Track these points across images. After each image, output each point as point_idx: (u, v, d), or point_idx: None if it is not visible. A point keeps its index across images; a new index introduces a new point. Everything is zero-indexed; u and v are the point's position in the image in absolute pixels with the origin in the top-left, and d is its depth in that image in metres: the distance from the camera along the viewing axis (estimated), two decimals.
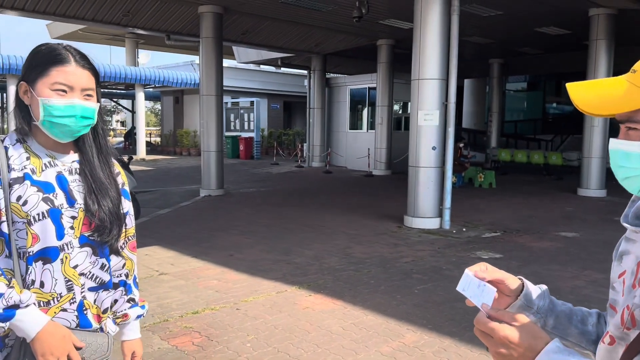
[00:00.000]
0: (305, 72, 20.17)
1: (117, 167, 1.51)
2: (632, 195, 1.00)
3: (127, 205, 1.52)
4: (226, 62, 21.73)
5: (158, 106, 36.36)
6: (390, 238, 7.66)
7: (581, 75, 12.44)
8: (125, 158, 9.62)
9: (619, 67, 14.60)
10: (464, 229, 8.35)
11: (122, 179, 1.51)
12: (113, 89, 27.43)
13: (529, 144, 20.90)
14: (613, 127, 14.88)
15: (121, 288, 1.57)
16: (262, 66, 24.62)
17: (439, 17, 8.22)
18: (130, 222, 1.55)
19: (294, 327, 4.29)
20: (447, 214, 8.53)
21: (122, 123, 51.61)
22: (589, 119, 12.15)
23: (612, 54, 11.76)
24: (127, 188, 1.53)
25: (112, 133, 42.73)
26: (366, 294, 5.12)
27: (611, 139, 0.92)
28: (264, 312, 4.64)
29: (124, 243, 1.55)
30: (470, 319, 4.58)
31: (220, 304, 4.83)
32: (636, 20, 12.24)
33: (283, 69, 24.70)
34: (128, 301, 1.59)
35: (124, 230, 1.51)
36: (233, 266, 6.10)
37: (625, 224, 0.99)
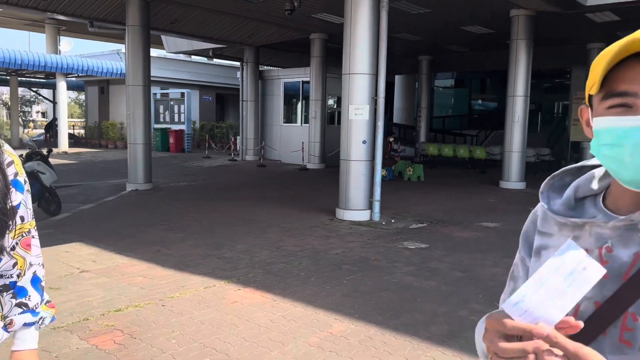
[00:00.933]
0: (238, 63, 19.89)
1: (11, 156, 1.37)
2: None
3: (18, 198, 1.34)
4: (155, 52, 21.04)
5: (82, 97, 34.64)
6: (322, 230, 7.71)
7: (503, 73, 13.03)
8: (45, 151, 9.10)
9: (537, 67, 15.49)
10: (393, 221, 8.56)
11: (17, 168, 1.36)
12: (32, 77, 25.84)
13: (456, 138, 21.71)
14: (531, 123, 15.70)
15: (11, 291, 1.40)
16: (193, 57, 24.01)
17: (368, 12, 8.33)
18: (26, 217, 1.38)
19: (221, 322, 4.23)
20: (377, 206, 8.70)
21: (43, 114, 48.77)
22: (510, 115, 12.76)
23: (531, 53, 12.41)
24: (20, 179, 1.37)
25: (31, 125, 40.26)
26: (296, 286, 5.13)
27: None
28: (190, 307, 4.54)
29: (16, 241, 1.38)
30: (396, 307, 4.72)
31: (144, 301, 4.68)
32: (553, 22, 12.97)
33: (215, 60, 24.23)
34: (18, 305, 1.40)
35: (16, 226, 1.35)
36: (160, 262, 5.93)
37: (553, 215, 0.97)
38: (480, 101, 24.04)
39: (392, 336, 4.00)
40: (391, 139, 14.02)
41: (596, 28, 13.40)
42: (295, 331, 4.08)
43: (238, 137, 20.21)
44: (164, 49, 19.68)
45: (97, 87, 26.33)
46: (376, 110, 8.66)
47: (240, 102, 19.40)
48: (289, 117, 19.37)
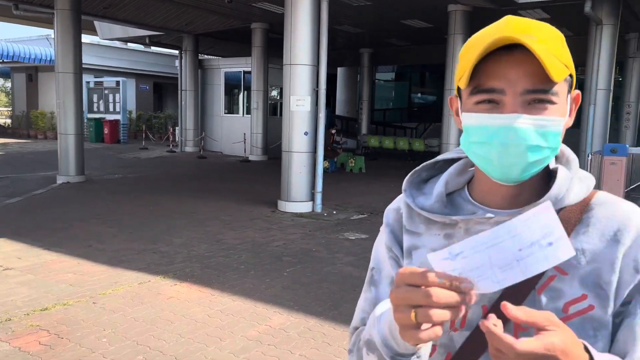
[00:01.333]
0: (176, 52, 19.32)
1: None
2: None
3: None
4: (87, 38, 20.11)
5: (8, 84, 32.63)
6: (263, 223, 7.63)
7: (443, 67, 13.33)
8: None
9: None
10: (335, 212, 8.59)
11: None
12: None
13: (396, 131, 22.09)
14: None
15: None
16: (129, 44, 23.13)
17: (309, 2, 8.27)
18: None
19: (156, 319, 4.08)
20: (318, 198, 8.70)
21: None
22: (447, 109, 13.08)
23: None
24: None
25: None
26: (235, 280, 5.04)
27: (523, 115, 0.79)
28: (123, 304, 4.36)
29: None
30: (336, 298, 4.73)
31: (74, 299, 4.45)
32: (488, 18, 13.34)
33: (153, 48, 23.42)
34: None
35: None
36: (92, 257, 5.66)
37: (428, 213, 0.93)
38: (419, 94, 24.55)
39: (331, 327, 4.00)
40: (333, 131, 14.06)
41: None
42: (234, 325, 4.00)
43: (177, 128, 19.68)
44: (97, 35, 18.81)
45: (25, 74, 24.85)
46: (318, 101, 8.63)
47: (179, 92, 18.87)
48: (231, 108, 19.04)
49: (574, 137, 11.29)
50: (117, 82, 21.52)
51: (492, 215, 0.87)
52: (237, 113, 18.81)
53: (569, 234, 0.83)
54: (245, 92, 18.43)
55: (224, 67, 18.94)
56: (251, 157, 16.59)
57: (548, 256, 0.65)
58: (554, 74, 0.77)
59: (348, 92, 23.94)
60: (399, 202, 1.02)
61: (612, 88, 9.65)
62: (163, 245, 6.23)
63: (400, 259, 0.98)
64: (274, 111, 17.96)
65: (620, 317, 0.83)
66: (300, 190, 8.63)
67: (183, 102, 18.67)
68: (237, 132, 17.86)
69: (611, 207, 0.88)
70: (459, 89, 0.89)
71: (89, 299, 4.45)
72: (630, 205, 0.89)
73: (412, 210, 0.97)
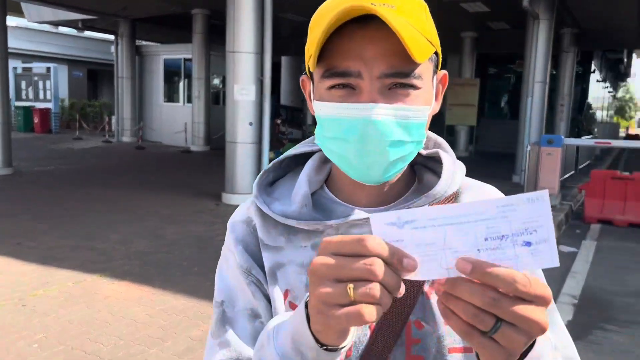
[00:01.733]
0: (112, 37, 18.46)
1: None
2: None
3: None
4: (13, 21, 18.87)
5: None
6: (207, 216, 7.40)
7: None
8: None
9: None
10: None
11: None
12: None
13: None
14: None
15: None
16: (60, 28, 21.90)
17: None
18: None
19: (92, 320, 3.84)
20: None
21: None
22: None
23: None
24: None
25: None
26: (178, 277, 4.84)
27: (380, 105, 0.67)
28: (56, 306, 4.08)
29: None
30: None
31: (1, 301, 4.12)
32: (431, 11, 13.51)
33: (87, 33, 22.30)
34: None
35: None
36: (21, 256, 5.29)
37: (293, 221, 0.77)
38: None
39: None
40: (279, 121, 13.91)
41: (469, 17, 14.25)
42: (177, 325, 3.82)
43: (113, 117, 18.86)
44: (25, 17, 17.66)
45: None
46: (262, 91, 8.45)
47: (115, 79, 18.05)
48: (171, 96, 18.43)
49: (513, 127, 11.69)
50: (48, 69, 20.37)
51: (368, 215, 0.73)
52: (178, 102, 18.24)
53: None
54: (186, 80, 17.87)
55: (163, 54, 18.28)
56: (193, 148, 16.15)
57: (518, 259, 0.51)
58: (417, 54, 0.64)
59: (293, 82, 23.76)
60: (247, 211, 0.85)
61: (547, 81, 10.02)
62: (99, 242, 5.91)
63: (263, 283, 0.80)
64: (216, 100, 17.54)
65: None
66: (245, 182, 8.44)
67: (119, 90, 17.88)
68: (177, 122, 17.33)
69: (478, 190, 0.85)
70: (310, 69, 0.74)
71: (18, 301, 4.14)
72: (492, 188, 0.87)
73: (268, 219, 0.81)
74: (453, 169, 0.80)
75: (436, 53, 0.73)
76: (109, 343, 3.51)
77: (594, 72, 19.75)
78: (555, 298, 4.85)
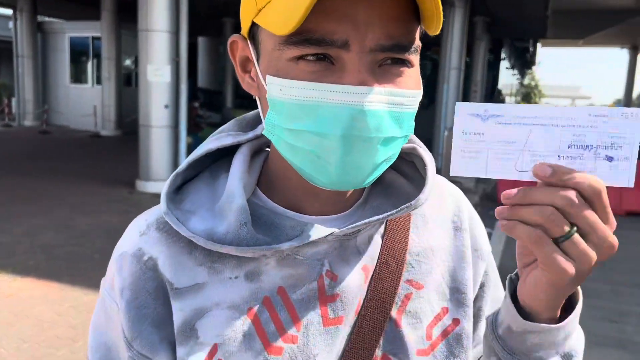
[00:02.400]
0: (10, 12, 16.94)
1: None
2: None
3: None
4: None
5: None
6: (120, 205, 7.01)
7: None
8: None
9: None
10: None
11: None
12: None
13: None
14: None
15: None
16: None
17: None
18: None
19: None
20: None
21: None
22: None
23: None
24: None
25: None
26: (88, 271, 4.54)
27: (376, 88, 0.51)
28: None
29: None
30: None
31: None
32: None
33: None
34: None
35: None
36: None
37: (229, 248, 0.57)
38: None
39: None
40: (196, 104, 13.46)
41: None
42: (88, 324, 3.53)
43: (13, 99, 17.42)
44: None
45: None
46: (178, 72, 8.09)
47: (15, 58, 16.64)
48: (78, 77, 17.28)
49: (430, 113, 12.06)
50: None
51: (332, 229, 0.59)
52: (86, 83, 17.16)
53: (407, 232, 0.65)
54: (95, 60, 16.83)
55: (69, 31, 17.08)
56: (103, 132, 15.30)
57: (596, 172, 0.49)
58: (434, 23, 0.50)
59: (211, 63, 23.13)
60: (140, 239, 0.61)
61: (462, 68, 10.40)
62: (0, 235, 5.42)
63: (150, 358, 0.60)
64: (128, 81, 16.67)
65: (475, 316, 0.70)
66: (161, 168, 8.08)
67: (19, 70, 16.50)
68: (86, 104, 16.32)
69: (437, 187, 0.72)
70: (253, 28, 0.56)
71: None
72: (444, 179, 0.75)
73: (182, 245, 0.60)
74: (433, 171, 0.65)
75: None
76: (11, 346, 3.23)
77: (503, 59, 20.85)
78: None
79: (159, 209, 0.62)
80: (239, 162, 0.62)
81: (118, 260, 0.62)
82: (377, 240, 0.64)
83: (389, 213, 0.61)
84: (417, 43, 0.54)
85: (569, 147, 0.49)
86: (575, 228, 0.48)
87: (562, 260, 0.48)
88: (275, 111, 0.54)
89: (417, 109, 0.57)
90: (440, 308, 0.66)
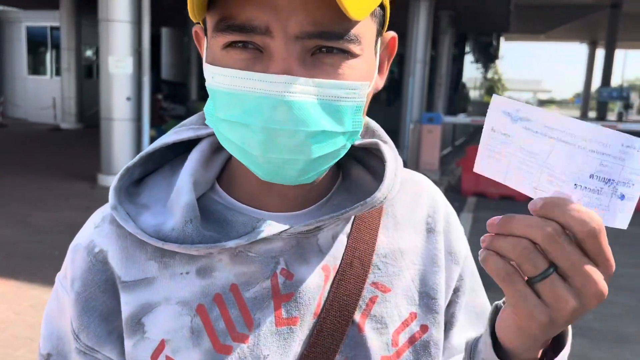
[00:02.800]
0: None
1: None
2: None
3: None
4: None
5: None
6: (81, 200, 6.83)
7: None
8: None
9: None
10: None
11: None
12: None
13: None
14: None
15: None
16: None
17: None
18: None
19: None
20: None
21: None
22: None
23: None
24: None
25: None
26: (48, 269, 4.39)
27: (300, 79, 0.49)
28: None
29: None
30: None
31: None
32: None
33: None
34: None
35: None
36: None
37: (175, 246, 0.55)
38: None
39: None
40: (160, 97, 13.21)
41: None
42: None
43: None
44: None
45: None
46: (141, 63, 7.90)
47: None
48: (36, 68, 16.74)
49: (396, 105, 12.15)
50: None
51: (285, 226, 0.57)
52: (45, 74, 16.65)
53: (375, 232, 0.63)
54: (54, 50, 16.31)
55: (26, 21, 16.51)
56: (63, 125, 14.88)
57: (609, 210, 0.43)
58: (353, 7, 0.46)
59: (174, 55, 22.72)
60: (93, 232, 0.61)
61: (428, 61, 10.49)
62: None
63: (98, 350, 0.58)
64: (89, 73, 16.23)
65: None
66: (124, 162, 7.89)
67: None
68: (45, 96, 15.84)
69: (410, 185, 0.69)
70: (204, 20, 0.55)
71: None
72: (424, 178, 0.72)
73: (133, 239, 0.59)
74: (395, 167, 0.62)
75: (382, 6, 0.54)
76: None
77: (468, 53, 21.16)
78: None
79: None
80: (193, 158, 0.61)
81: (72, 252, 0.62)
82: (342, 240, 0.62)
83: (344, 211, 0.58)
84: (362, 32, 0.51)
85: (591, 176, 0.43)
86: (553, 269, 0.42)
87: (532, 303, 0.43)
88: (211, 99, 0.53)
89: (364, 102, 0.54)
90: (408, 313, 0.63)
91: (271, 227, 0.57)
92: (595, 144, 0.42)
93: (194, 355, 0.56)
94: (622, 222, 0.43)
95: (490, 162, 0.47)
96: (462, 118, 12.18)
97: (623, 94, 37.13)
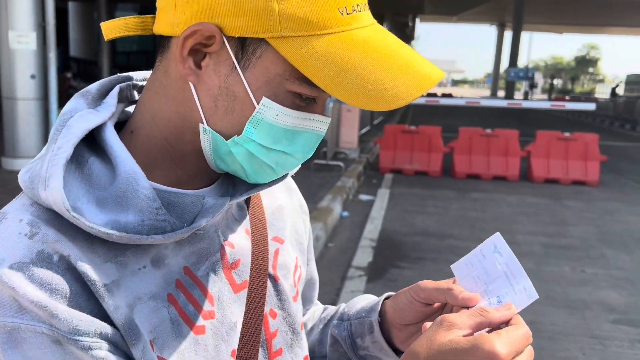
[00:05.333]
0: None
1: None
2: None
3: None
4: None
5: None
6: None
7: None
8: None
9: None
10: None
11: None
12: None
13: None
14: None
15: None
16: None
17: None
18: None
19: None
20: None
21: None
22: None
23: None
24: None
25: None
26: None
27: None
28: None
29: None
30: None
31: None
32: None
33: None
34: None
35: None
36: None
37: (158, 237, 0.54)
38: None
39: None
40: (69, 75, 12.46)
41: None
42: None
43: None
44: None
45: None
46: (46, 39, 7.39)
47: None
48: None
49: None
50: None
51: (227, 199, 0.60)
52: None
53: (259, 195, 0.72)
54: None
55: None
56: None
57: (515, 297, 0.62)
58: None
59: (83, 31, 21.41)
60: (36, 239, 0.51)
61: None
62: None
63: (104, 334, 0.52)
64: None
65: None
66: (30, 144, 7.42)
67: None
68: None
69: None
70: (248, 37, 0.53)
71: None
72: None
73: (82, 246, 0.52)
74: None
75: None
76: None
77: None
78: (357, 242, 5.30)
79: (21, 204, 0.54)
80: (118, 142, 0.56)
81: (12, 278, 0.48)
82: (243, 206, 0.68)
83: (272, 181, 0.63)
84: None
85: (497, 297, 0.63)
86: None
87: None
88: (256, 129, 0.55)
89: None
90: (295, 258, 0.75)
91: (217, 202, 0.59)
92: (514, 281, 0.63)
93: (178, 346, 0.57)
94: (522, 303, 0.62)
95: (464, 267, 0.66)
96: None
97: (528, 74, 39.47)
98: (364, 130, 12.79)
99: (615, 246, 5.48)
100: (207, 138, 0.57)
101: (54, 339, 0.49)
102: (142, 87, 0.65)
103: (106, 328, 0.52)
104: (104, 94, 0.61)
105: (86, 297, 0.51)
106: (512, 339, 0.52)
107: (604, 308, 3.95)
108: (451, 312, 0.63)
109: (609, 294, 4.21)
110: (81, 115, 0.56)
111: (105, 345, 0.51)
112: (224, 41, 0.53)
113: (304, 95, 0.55)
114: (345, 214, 6.28)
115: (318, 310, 0.88)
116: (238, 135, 0.56)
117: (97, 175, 0.55)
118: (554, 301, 4.01)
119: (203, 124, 0.56)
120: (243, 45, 0.53)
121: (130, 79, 0.65)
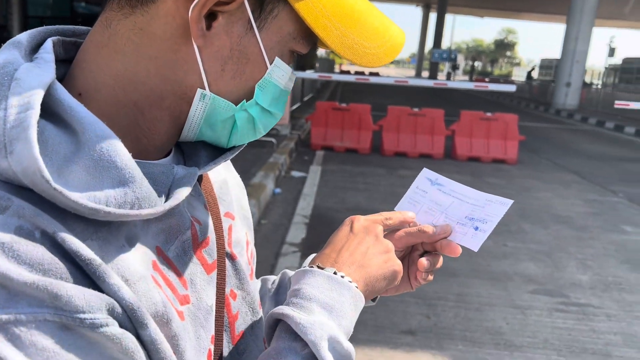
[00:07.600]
0: None
1: None
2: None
3: None
4: None
5: None
6: None
7: None
8: None
9: None
10: None
11: None
12: None
13: None
14: None
15: None
16: None
17: None
18: None
19: None
20: None
21: None
22: None
23: None
24: None
25: None
26: None
27: None
28: None
29: None
30: None
31: None
32: None
33: None
34: None
35: None
36: None
37: (151, 210, 0.48)
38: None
39: None
40: None
41: None
42: None
43: None
44: None
45: None
46: None
47: None
48: None
49: None
50: None
51: (197, 169, 0.56)
52: None
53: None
54: None
55: None
56: None
57: (466, 235, 0.69)
58: None
59: None
60: (9, 213, 0.41)
61: None
62: None
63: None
64: None
65: None
66: None
67: None
68: None
69: None
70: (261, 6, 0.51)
71: None
72: None
73: (57, 219, 0.43)
74: None
75: None
76: None
77: None
78: (290, 219, 5.29)
79: None
80: (78, 104, 0.47)
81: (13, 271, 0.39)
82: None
83: (236, 151, 0.61)
84: None
85: (465, 217, 0.70)
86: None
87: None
88: (262, 91, 0.55)
89: None
90: (245, 234, 0.71)
91: (187, 171, 0.53)
92: (473, 200, 0.70)
93: (172, 333, 0.50)
94: (474, 244, 0.68)
95: (408, 206, 0.73)
96: (310, 74, 12.43)
97: (451, 56, 40.88)
98: (294, 107, 12.73)
99: (533, 221, 5.82)
100: (203, 104, 0.53)
101: (60, 325, 0.40)
102: (69, 43, 0.56)
103: (116, 306, 0.44)
104: (34, 47, 0.52)
105: (81, 279, 0.43)
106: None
107: (524, 279, 4.20)
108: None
109: (528, 266, 4.48)
110: (28, 68, 0.46)
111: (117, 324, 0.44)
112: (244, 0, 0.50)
113: (296, 54, 0.57)
114: (278, 190, 6.23)
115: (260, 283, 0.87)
116: (247, 100, 0.55)
117: (54, 143, 0.44)
118: (479, 273, 4.21)
119: (204, 89, 0.52)
120: (262, 4, 0.51)
121: (59, 32, 0.55)
